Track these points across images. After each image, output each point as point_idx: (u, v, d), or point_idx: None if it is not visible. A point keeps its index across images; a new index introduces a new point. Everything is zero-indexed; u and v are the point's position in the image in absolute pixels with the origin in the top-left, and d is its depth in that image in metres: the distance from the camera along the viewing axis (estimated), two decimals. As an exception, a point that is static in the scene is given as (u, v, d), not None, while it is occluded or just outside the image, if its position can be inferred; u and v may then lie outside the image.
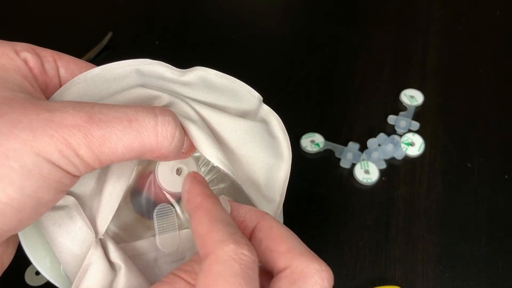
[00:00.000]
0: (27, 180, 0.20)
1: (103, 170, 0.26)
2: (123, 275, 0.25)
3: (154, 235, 0.28)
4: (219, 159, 0.26)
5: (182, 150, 0.25)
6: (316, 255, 0.23)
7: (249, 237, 0.24)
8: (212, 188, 0.30)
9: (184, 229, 0.29)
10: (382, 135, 0.48)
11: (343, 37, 0.57)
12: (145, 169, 0.29)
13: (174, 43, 0.57)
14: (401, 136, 0.48)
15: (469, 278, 0.40)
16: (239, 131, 0.27)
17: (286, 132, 0.30)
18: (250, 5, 0.62)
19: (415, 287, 0.40)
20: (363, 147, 0.47)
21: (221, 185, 0.31)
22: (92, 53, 0.55)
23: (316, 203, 0.44)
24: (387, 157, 0.47)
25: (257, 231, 0.24)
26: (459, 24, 0.58)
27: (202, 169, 0.30)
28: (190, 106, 0.27)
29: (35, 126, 0.20)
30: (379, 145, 0.47)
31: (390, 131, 0.49)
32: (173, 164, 0.28)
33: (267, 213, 0.25)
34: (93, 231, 0.25)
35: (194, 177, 0.24)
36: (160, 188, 0.28)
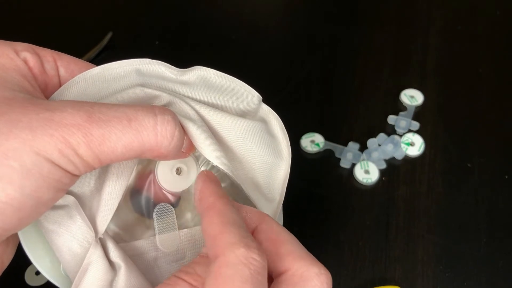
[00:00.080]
0: (26, 180, 0.20)
1: (103, 170, 0.26)
2: (123, 274, 0.25)
3: (154, 235, 0.28)
4: (218, 158, 0.26)
5: (182, 150, 0.25)
6: (316, 259, 0.23)
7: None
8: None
9: (183, 228, 0.29)
10: (382, 135, 0.48)
11: (343, 37, 0.57)
12: (145, 169, 0.29)
13: (174, 43, 0.57)
14: (401, 136, 0.48)
15: (469, 278, 0.40)
16: (238, 131, 0.27)
17: (286, 131, 0.30)
18: (250, 5, 0.62)
19: (415, 287, 0.40)
20: (363, 147, 0.47)
21: (221, 185, 0.31)
22: (92, 53, 0.55)
23: (316, 203, 0.44)
24: (387, 157, 0.47)
25: (257, 233, 0.24)
26: (459, 24, 0.58)
27: (202, 169, 0.30)
28: (190, 105, 0.27)
29: (34, 125, 0.20)
30: (379, 145, 0.47)
31: (390, 131, 0.49)
32: (173, 164, 0.28)
33: (267, 215, 0.25)
34: (93, 230, 0.25)
35: (208, 175, 0.24)
36: (160, 188, 0.28)
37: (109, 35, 0.56)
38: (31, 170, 0.20)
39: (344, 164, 0.46)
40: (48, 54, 0.26)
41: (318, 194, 0.45)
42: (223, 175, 0.30)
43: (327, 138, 0.48)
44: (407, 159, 0.47)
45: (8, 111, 0.20)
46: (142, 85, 0.27)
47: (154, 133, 0.22)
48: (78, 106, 0.21)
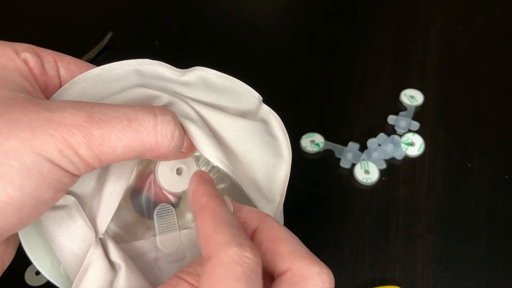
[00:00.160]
0: (27, 179, 0.20)
1: (103, 170, 0.26)
2: (123, 275, 0.25)
3: (154, 235, 0.28)
4: (218, 158, 0.26)
5: (182, 150, 0.25)
6: (317, 258, 0.23)
7: (250, 238, 0.24)
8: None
9: (184, 229, 0.29)
10: (382, 135, 0.48)
11: (343, 37, 0.57)
12: (145, 169, 0.29)
13: (174, 43, 0.57)
14: (401, 136, 0.48)
15: (469, 278, 0.40)
16: (239, 131, 0.27)
17: (286, 132, 0.30)
18: (250, 5, 0.62)
19: (415, 287, 0.40)
20: (363, 147, 0.47)
21: (221, 185, 0.31)
22: (92, 53, 0.55)
23: (316, 203, 0.44)
24: (387, 157, 0.47)
25: (258, 233, 0.24)
26: (459, 24, 0.58)
27: (202, 169, 0.30)
28: (190, 106, 0.27)
29: (34, 125, 0.20)
30: (379, 145, 0.47)
31: (390, 131, 0.49)
32: (173, 164, 0.28)
33: (268, 215, 0.25)
34: (93, 230, 0.25)
35: (201, 176, 0.24)
36: (160, 188, 0.28)
37: (109, 35, 0.56)
38: (31, 169, 0.20)
39: (344, 164, 0.46)
40: (48, 55, 0.26)
41: (318, 194, 0.45)
42: (224, 176, 0.30)
43: (327, 138, 0.48)
44: (407, 159, 0.47)
45: (9, 111, 0.20)
46: (142, 85, 0.27)
47: (154, 133, 0.22)
48: (78, 106, 0.21)
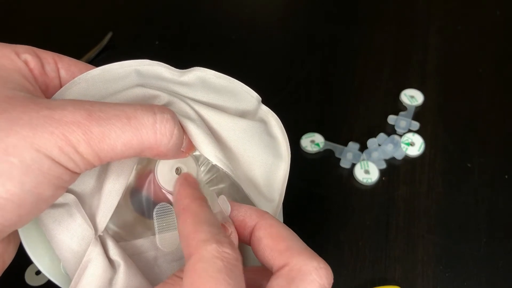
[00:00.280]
0: (26, 176, 0.20)
1: (102, 169, 0.26)
2: (122, 273, 0.25)
3: (154, 234, 0.28)
4: (217, 157, 0.26)
5: (182, 149, 0.25)
6: (315, 253, 0.23)
7: (249, 236, 0.24)
8: (211, 188, 0.30)
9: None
10: (382, 135, 0.48)
11: (343, 37, 0.57)
12: (145, 168, 0.29)
13: (174, 43, 0.57)
14: (401, 136, 0.48)
15: (469, 278, 0.40)
16: (238, 131, 0.28)
17: (285, 132, 0.30)
18: (250, 5, 0.62)
19: (415, 287, 0.40)
20: (363, 147, 0.47)
21: (221, 185, 0.31)
22: (92, 53, 0.55)
23: (316, 203, 0.44)
24: (387, 157, 0.47)
25: (256, 230, 0.24)
26: (459, 24, 0.58)
27: (202, 169, 0.30)
28: (189, 105, 0.27)
29: (35, 123, 0.20)
30: (379, 145, 0.47)
31: (390, 131, 0.49)
32: (173, 163, 0.28)
33: (267, 212, 0.25)
34: (92, 228, 0.25)
35: (185, 178, 0.25)
36: (160, 187, 0.28)
37: (109, 35, 0.57)
38: (31, 166, 0.20)
39: (344, 164, 0.46)
40: (48, 56, 0.26)
41: (318, 194, 0.45)
42: (223, 176, 0.30)
43: (327, 138, 0.48)
44: (407, 159, 0.47)
45: (9, 109, 0.21)
46: (142, 85, 0.27)
47: (153, 131, 0.22)
48: (78, 105, 0.21)
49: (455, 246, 0.42)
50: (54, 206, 0.25)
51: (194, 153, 0.27)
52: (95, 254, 0.24)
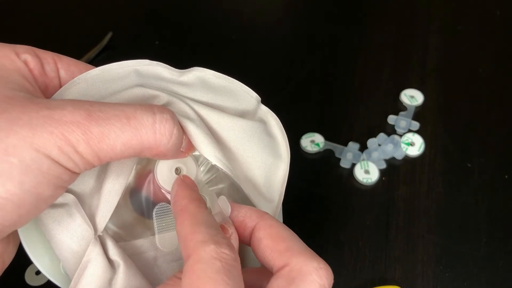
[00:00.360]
0: (26, 176, 0.20)
1: (102, 169, 0.26)
2: (122, 273, 0.25)
3: (153, 234, 0.28)
4: (217, 157, 0.26)
5: (181, 149, 0.25)
6: (315, 254, 0.23)
7: (249, 236, 0.24)
8: (211, 188, 0.30)
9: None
10: (382, 135, 0.48)
11: (343, 37, 0.57)
12: (144, 169, 0.29)
13: (174, 43, 0.57)
14: (401, 136, 0.48)
15: (469, 278, 0.40)
16: (237, 130, 0.28)
17: (285, 132, 0.30)
18: (250, 5, 0.62)
19: (415, 287, 0.40)
20: (363, 147, 0.47)
21: (220, 185, 0.31)
22: (92, 53, 0.55)
23: (316, 203, 0.44)
24: (387, 157, 0.47)
25: (256, 230, 0.24)
26: (459, 24, 0.58)
27: (201, 169, 0.30)
28: (188, 105, 0.27)
29: (34, 123, 0.20)
30: (379, 145, 0.47)
31: (390, 131, 0.49)
32: (172, 164, 0.28)
33: (267, 213, 0.25)
34: (92, 228, 0.25)
35: (183, 180, 0.25)
36: (159, 188, 0.28)
37: (109, 35, 0.57)
38: (31, 166, 0.20)
39: (344, 164, 0.46)
40: (48, 56, 0.26)
41: (318, 194, 0.45)
42: (223, 176, 0.30)
43: (327, 138, 0.48)
44: (407, 159, 0.47)
45: (9, 109, 0.21)
46: (142, 85, 0.27)
47: (153, 131, 0.22)
48: (78, 105, 0.21)
49: (455, 246, 0.41)
50: (54, 206, 0.25)
51: (193, 153, 0.27)
52: (94, 254, 0.24)
